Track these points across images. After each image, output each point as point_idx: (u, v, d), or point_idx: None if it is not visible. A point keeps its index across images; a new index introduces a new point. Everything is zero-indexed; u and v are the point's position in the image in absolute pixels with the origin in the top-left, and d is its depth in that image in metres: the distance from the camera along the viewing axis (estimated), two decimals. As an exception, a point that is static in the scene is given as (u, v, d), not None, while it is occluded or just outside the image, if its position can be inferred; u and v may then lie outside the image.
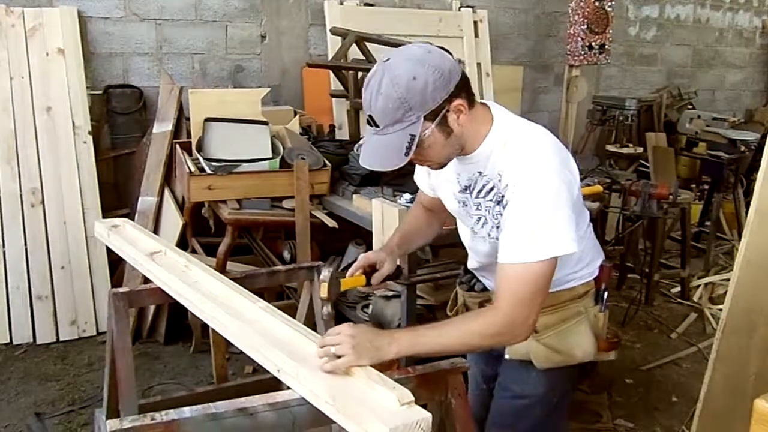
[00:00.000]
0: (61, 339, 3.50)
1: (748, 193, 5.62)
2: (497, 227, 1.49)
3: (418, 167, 1.76)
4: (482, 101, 1.53)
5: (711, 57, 6.52)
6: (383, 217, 2.48)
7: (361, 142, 1.47)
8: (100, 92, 3.79)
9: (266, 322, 1.60)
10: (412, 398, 1.22)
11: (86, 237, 3.52)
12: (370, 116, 1.38)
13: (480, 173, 1.51)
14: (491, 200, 1.49)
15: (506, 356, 1.66)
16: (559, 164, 1.44)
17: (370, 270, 1.68)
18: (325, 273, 1.58)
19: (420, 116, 1.36)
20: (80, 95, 3.55)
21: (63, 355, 3.38)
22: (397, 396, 1.21)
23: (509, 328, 1.42)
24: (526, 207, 1.40)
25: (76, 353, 3.40)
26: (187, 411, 1.31)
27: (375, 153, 1.41)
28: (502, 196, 1.45)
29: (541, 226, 1.39)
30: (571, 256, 1.51)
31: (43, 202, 3.48)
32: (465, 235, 1.69)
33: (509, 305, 1.41)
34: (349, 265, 1.69)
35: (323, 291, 1.57)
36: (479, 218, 1.55)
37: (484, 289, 1.73)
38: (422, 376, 1.47)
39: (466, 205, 1.58)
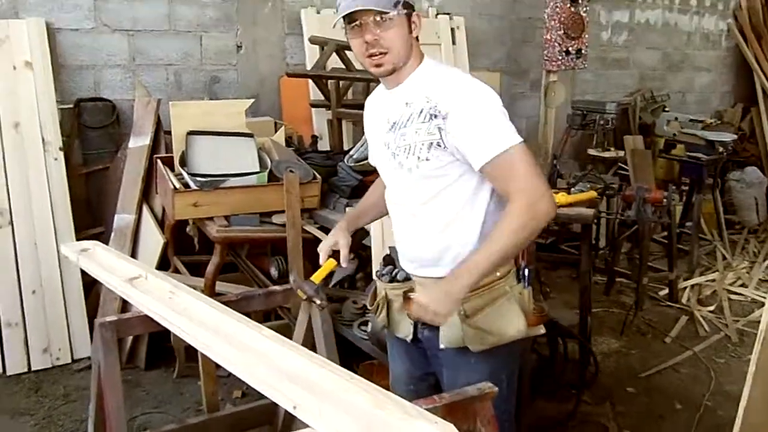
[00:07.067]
0: (33, 369, 3.31)
1: (723, 193, 5.74)
2: (429, 146, 1.58)
3: (370, 151, 1.89)
4: None
5: (680, 60, 6.63)
6: (383, 228, 2.37)
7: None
8: (71, 106, 3.62)
9: (274, 351, 1.48)
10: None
11: (59, 258, 3.34)
12: None
13: (406, 103, 1.63)
14: (422, 121, 1.59)
15: (441, 346, 1.69)
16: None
17: (333, 253, 1.83)
18: (292, 278, 1.83)
19: None
20: (50, 110, 3.38)
21: (36, 386, 3.19)
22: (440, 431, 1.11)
23: (536, 206, 1.51)
24: (478, 108, 1.55)
25: (50, 383, 3.22)
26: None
27: (362, 1, 1.54)
28: (438, 110, 1.56)
29: (499, 119, 1.55)
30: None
31: (11, 222, 3.29)
32: (390, 181, 1.75)
33: (523, 186, 1.52)
34: (345, 279, 1.72)
35: (301, 295, 1.83)
36: (405, 148, 1.63)
37: (407, 278, 1.76)
38: (449, 405, 1.39)
39: (390, 147, 1.67)
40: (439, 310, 1.53)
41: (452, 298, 1.54)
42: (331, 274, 1.93)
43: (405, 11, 1.58)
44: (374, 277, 1.90)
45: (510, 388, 1.79)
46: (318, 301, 1.84)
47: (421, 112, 1.59)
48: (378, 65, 1.60)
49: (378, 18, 1.55)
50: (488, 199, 1.65)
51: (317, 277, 1.82)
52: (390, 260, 1.84)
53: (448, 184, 1.62)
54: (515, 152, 1.53)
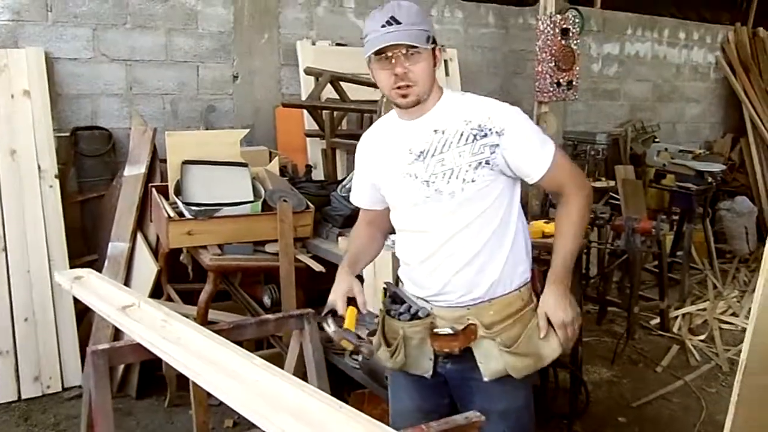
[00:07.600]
0: (23, 397, 3.29)
1: (714, 223, 5.80)
2: (477, 166, 1.63)
3: (353, 192, 1.93)
4: None
5: (670, 91, 6.74)
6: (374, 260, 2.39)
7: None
8: (68, 134, 3.66)
9: (265, 380, 1.50)
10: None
11: (52, 286, 3.35)
12: (392, 18, 1.58)
13: (435, 131, 1.67)
14: (464, 143, 1.63)
15: (485, 379, 1.71)
16: None
17: (349, 300, 1.76)
18: (332, 329, 1.70)
19: (429, 31, 1.63)
20: (46, 137, 3.42)
21: (25, 414, 3.17)
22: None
23: (589, 195, 1.76)
24: (526, 123, 1.68)
25: (40, 412, 3.19)
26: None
27: (396, 35, 1.57)
28: (489, 129, 1.62)
29: (540, 130, 1.71)
30: (524, 242, 1.78)
31: (5, 249, 3.30)
32: (415, 212, 1.72)
33: (577, 181, 1.73)
34: (333, 311, 1.73)
35: (347, 345, 1.71)
36: (445, 173, 1.65)
37: (428, 314, 1.73)
38: (438, 434, 1.39)
39: (419, 176, 1.67)
40: (574, 327, 1.70)
41: (567, 301, 1.70)
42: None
43: (432, 45, 1.64)
44: (388, 316, 1.81)
45: (533, 408, 1.86)
46: (365, 350, 1.73)
47: (461, 135, 1.63)
48: (404, 96, 1.64)
49: (407, 51, 1.59)
50: (518, 213, 1.74)
51: (350, 325, 1.72)
52: (398, 297, 1.78)
53: (489, 204, 1.66)
54: (558, 155, 1.69)
